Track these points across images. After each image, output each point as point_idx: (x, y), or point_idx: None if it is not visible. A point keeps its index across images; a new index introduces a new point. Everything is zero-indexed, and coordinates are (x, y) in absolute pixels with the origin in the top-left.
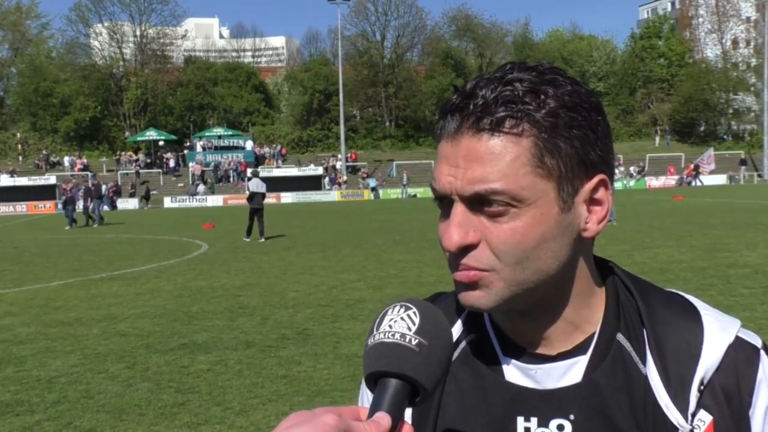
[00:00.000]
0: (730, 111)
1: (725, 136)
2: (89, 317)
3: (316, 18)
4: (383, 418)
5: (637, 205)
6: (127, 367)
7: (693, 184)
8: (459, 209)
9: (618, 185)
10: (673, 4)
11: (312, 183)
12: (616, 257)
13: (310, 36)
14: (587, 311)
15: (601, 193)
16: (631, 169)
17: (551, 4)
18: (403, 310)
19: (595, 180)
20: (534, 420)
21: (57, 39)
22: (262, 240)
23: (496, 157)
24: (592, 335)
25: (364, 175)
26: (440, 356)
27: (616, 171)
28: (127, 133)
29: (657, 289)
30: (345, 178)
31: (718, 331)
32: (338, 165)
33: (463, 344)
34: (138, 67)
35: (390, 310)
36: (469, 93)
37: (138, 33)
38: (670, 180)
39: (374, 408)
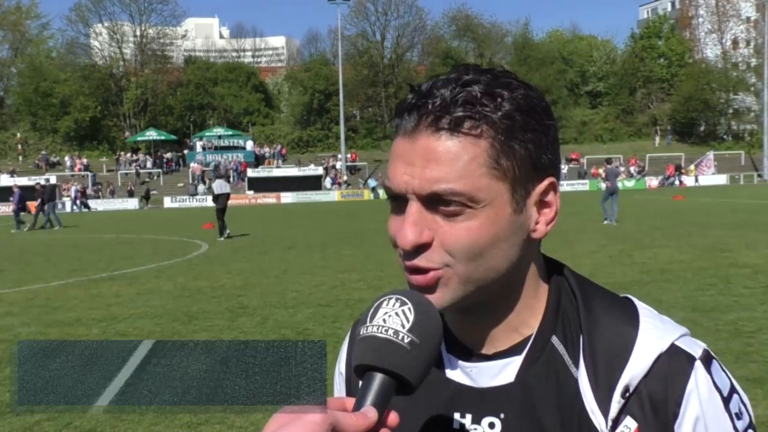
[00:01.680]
0: (730, 111)
1: (725, 136)
2: (89, 317)
3: (316, 18)
4: (370, 411)
5: (637, 205)
6: None
7: (675, 184)
8: (414, 208)
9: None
10: (673, 4)
11: (312, 183)
12: (616, 257)
13: (310, 36)
14: (528, 313)
15: (550, 196)
16: (631, 169)
17: (551, 4)
18: (398, 304)
19: (546, 183)
20: (468, 417)
21: (57, 39)
22: (222, 237)
23: (454, 158)
24: (530, 337)
25: (340, 181)
26: (430, 354)
27: (621, 171)
28: (127, 133)
29: (603, 293)
30: (345, 178)
31: (653, 338)
32: (338, 165)
33: None
34: (138, 67)
35: (385, 302)
36: (426, 92)
37: (138, 33)
38: (653, 180)
39: (361, 399)
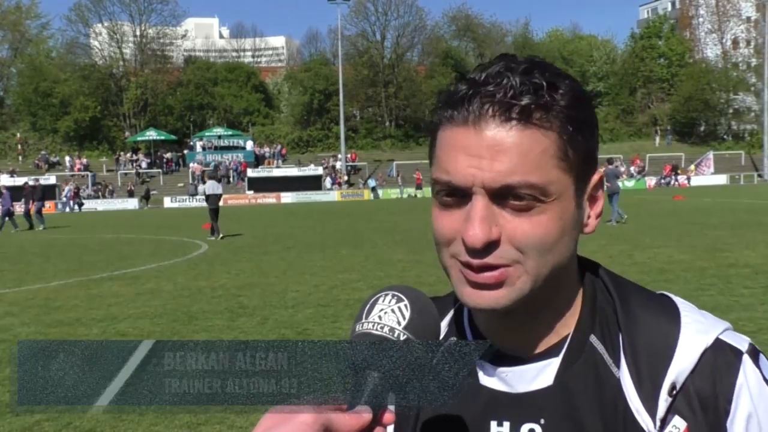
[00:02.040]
0: (730, 111)
1: (725, 136)
2: (89, 317)
3: (316, 18)
4: (364, 410)
5: (637, 205)
6: None
7: (672, 184)
8: (482, 203)
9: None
10: (673, 4)
11: (312, 183)
12: (616, 257)
13: (310, 36)
14: (568, 312)
15: (599, 191)
16: (631, 169)
17: (551, 4)
18: (394, 301)
19: (597, 177)
20: (506, 424)
21: (57, 39)
22: (218, 237)
23: (527, 149)
24: (566, 337)
25: (340, 181)
26: None
27: (622, 171)
28: (127, 133)
29: (640, 290)
30: (346, 178)
31: (696, 333)
32: (338, 165)
33: None
34: (138, 67)
35: (381, 298)
36: (483, 81)
37: (138, 33)
38: (653, 180)
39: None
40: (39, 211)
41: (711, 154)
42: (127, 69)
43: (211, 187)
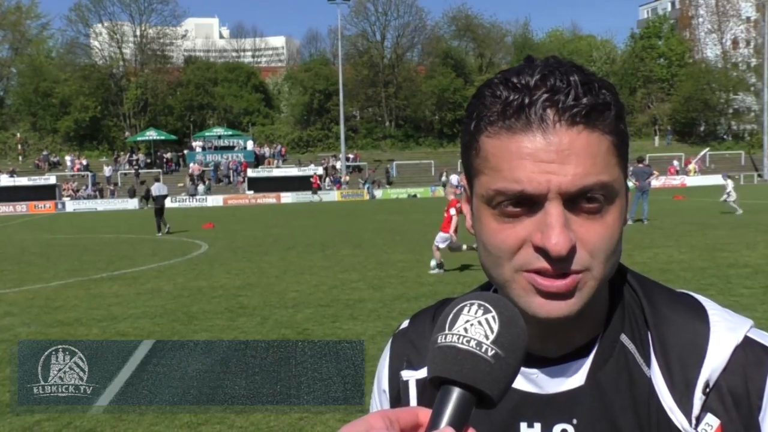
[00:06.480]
0: (730, 111)
1: (725, 136)
2: (89, 317)
3: (316, 18)
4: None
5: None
6: None
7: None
8: (558, 209)
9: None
10: (673, 4)
11: (312, 183)
12: None
13: (310, 36)
14: (600, 311)
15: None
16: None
17: (551, 4)
18: (481, 312)
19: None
20: (537, 426)
21: (57, 39)
22: (167, 229)
23: (595, 150)
24: (596, 337)
25: (343, 180)
26: (514, 367)
27: (652, 169)
28: (127, 133)
29: (664, 289)
30: (348, 179)
31: (725, 331)
32: (338, 165)
33: None
34: (138, 67)
35: (467, 308)
36: (535, 86)
37: (138, 33)
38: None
39: (437, 416)
40: None
41: (707, 155)
42: (127, 69)
43: (158, 188)
